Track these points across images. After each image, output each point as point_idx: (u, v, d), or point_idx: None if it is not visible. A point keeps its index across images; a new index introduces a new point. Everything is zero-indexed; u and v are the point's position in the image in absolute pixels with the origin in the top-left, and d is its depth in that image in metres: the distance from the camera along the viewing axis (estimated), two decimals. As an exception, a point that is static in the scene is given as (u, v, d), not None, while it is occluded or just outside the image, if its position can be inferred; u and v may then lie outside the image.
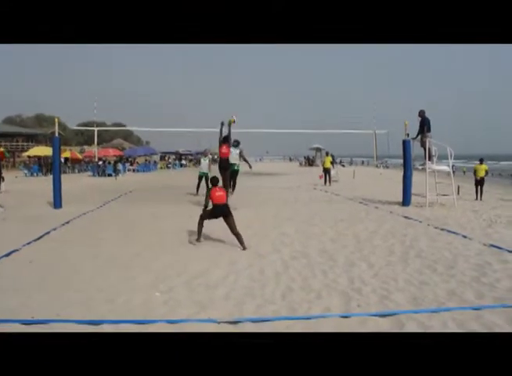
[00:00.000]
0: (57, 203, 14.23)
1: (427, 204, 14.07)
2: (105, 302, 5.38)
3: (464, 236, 9.11)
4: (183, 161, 58.77)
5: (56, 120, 15.91)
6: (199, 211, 9.66)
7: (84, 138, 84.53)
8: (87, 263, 7.26)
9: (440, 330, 4.44)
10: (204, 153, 17.77)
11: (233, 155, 14.03)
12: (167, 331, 4.43)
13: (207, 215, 8.94)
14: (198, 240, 8.89)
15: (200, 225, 8.94)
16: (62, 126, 75.58)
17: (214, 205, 8.84)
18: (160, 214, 12.85)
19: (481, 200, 16.10)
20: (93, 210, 13.73)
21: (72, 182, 24.82)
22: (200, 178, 17.69)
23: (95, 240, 9.08)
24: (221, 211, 8.74)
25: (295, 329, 4.52)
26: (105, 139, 72.00)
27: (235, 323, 4.71)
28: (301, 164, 62.18)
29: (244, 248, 8.39)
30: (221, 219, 8.73)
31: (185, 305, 5.32)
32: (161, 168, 50.34)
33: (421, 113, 14.70)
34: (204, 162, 17.47)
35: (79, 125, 66.90)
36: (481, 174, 16.77)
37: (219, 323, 4.71)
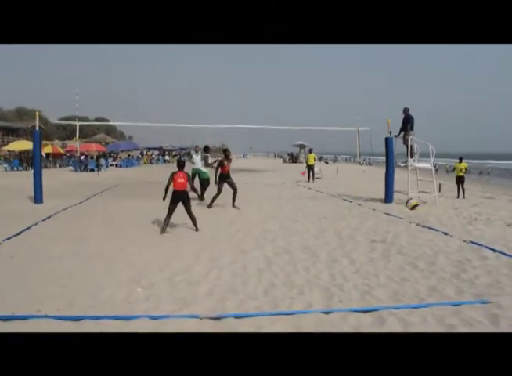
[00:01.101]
0: (38, 198, 14.03)
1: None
2: (87, 298, 5.33)
3: (445, 233, 9.24)
4: (166, 157, 58.42)
5: (37, 113, 15.67)
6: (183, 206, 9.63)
7: (66, 132, 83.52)
8: (69, 258, 7.17)
9: (420, 325, 4.51)
10: (196, 149, 17.10)
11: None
12: (148, 327, 4.43)
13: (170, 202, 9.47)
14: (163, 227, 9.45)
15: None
16: (43, 120, 74.52)
17: (174, 191, 9.40)
18: (143, 209, 12.77)
19: (463, 198, 16.33)
20: (75, 205, 13.58)
21: (53, 176, 24.49)
22: (193, 177, 15.33)
23: (77, 235, 8.98)
24: (180, 198, 9.37)
25: (277, 324, 4.55)
26: (88, 133, 71.15)
27: (217, 319, 4.71)
28: (284, 161, 62.30)
29: (197, 229, 9.50)
30: (205, 217, 8.74)
31: (168, 300, 5.30)
32: (144, 163, 49.96)
33: (405, 111, 14.85)
34: (197, 158, 16.05)
35: (61, 119, 66.03)
36: (461, 172, 17.11)
37: (201, 318, 4.70)
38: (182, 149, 65.33)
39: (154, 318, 4.67)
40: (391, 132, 14.94)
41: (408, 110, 14.78)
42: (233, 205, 13.19)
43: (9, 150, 42.17)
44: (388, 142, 14.89)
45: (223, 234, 9.26)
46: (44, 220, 10.72)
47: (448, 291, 5.68)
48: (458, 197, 16.49)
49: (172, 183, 9.38)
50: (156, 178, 23.92)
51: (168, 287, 5.82)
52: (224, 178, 13.29)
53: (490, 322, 4.59)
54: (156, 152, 61.18)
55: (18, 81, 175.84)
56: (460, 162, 17.36)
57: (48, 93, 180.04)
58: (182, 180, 9.36)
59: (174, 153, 63.88)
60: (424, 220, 11.01)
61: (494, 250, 7.70)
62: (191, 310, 4.95)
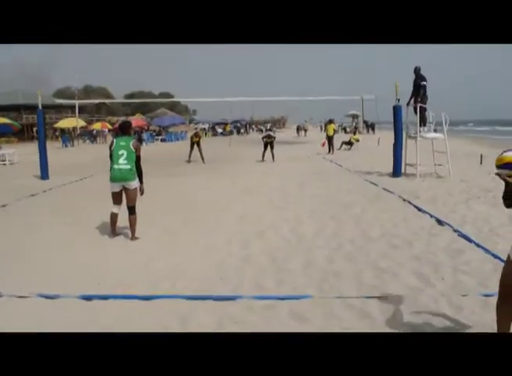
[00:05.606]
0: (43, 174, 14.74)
1: (417, 175, 13.01)
2: (111, 279, 5.38)
3: (419, 209, 8.76)
4: (219, 130, 57.84)
5: (39, 92, 15.33)
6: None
7: (131, 109, 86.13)
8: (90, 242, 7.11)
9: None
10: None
11: None
12: (169, 307, 4.49)
13: None
14: None
15: None
16: (110, 97, 77.28)
17: None
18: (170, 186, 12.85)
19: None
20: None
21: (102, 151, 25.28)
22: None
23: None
24: None
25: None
26: (152, 108, 72.03)
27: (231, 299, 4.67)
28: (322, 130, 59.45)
29: None
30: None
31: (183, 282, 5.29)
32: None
33: (416, 71, 13.44)
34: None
35: (126, 96, 68.36)
36: None
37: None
38: (235, 121, 64.20)
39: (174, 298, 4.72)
40: (399, 100, 13.63)
41: (419, 69, 13.35)
42: None
43: (57, 128, 44.04)
44: (396, 110, 13.69)
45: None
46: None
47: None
48: None
49: None
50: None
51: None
52: None
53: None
54: (207, 125, 60.83)
55: (85, 60, 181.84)
56: None
57: (115, 70, 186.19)
58: None
59: (223, 126, 62.54)
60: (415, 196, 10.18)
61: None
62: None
